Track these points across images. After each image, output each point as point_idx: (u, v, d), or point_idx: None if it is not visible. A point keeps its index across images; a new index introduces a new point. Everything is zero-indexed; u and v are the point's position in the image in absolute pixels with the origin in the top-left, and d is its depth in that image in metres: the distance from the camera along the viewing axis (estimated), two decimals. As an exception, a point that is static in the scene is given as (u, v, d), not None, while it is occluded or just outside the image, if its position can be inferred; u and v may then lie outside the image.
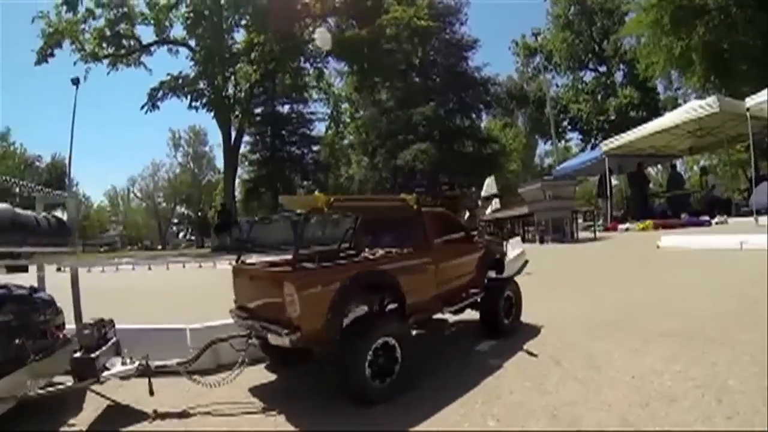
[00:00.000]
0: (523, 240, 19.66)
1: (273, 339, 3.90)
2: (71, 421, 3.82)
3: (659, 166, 37.30)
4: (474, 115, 46.32)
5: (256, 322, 4.15)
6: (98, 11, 33.40)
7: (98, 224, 75.06)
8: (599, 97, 44.94)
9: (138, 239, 75.09)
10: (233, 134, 38.74)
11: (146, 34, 36.45)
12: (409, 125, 41.17)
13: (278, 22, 32.71)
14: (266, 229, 26.05)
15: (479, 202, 25.73)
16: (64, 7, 32.26)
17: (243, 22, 36.60)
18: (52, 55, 32.66)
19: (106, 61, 34.95)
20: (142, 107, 35.28)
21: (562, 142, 51.06)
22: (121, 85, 71.12)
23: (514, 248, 14.05)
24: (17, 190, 5.73)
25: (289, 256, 4.14)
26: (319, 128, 50.52)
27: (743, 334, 4.61)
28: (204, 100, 35.93)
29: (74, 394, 4.10)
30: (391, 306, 4.47)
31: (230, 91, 37.23)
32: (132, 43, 35.74)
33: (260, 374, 4.78)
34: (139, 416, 3.84)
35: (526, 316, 5.97)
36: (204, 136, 70.45)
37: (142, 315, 7.76)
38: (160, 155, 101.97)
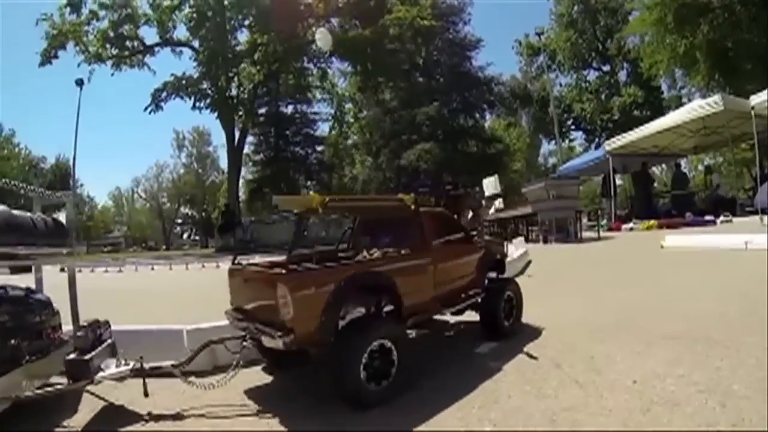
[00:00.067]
0: (527, 240, 19.56)
1: (266, 341, 3.86)
2: (66, 422, 3.82)
3: (663, 166, 37.09)
4: (478, 115, 46.06)
5: (251, 323, 4.10)
6: (102, 13, 33.71)
7: (103, 225, 75.32)
8: (603, 96, 44.68)
9: (142, 240, 75.27)
10: (237, 135, 38.84)
11: (150, 35, 36.74)
12: (413, 125, 41.05)
13: (281, 23, 32.76)
14: (270, 229, 26.04)
15: (483, 202, 25.67)
16: (68, 9, 32.58)
17: (246, 22, 36.73)
18: (56, 56, 32.91)
19: (109, 63, 35.22)
20: (146, 108, 35.53)
21: (566, 141, 50.85)
22: (124, 87, 71.50)
23: (517, 248, 13.98)
24: (20, 191, 5.76)
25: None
26: (323, 128, 50.61)
27: (748, 336, 4.51)
28: (207, 101, 36.08)
29: (70, 395, 4.10)
30: (389, 308, 4.40)
31: (234, 91, 37.36)
32: (135, 44, 35.90)
33: (257, 376, 4.74)
34: (134, 418, 3.83)
35: (528, 318, 5.90)
36: (208, 137, 70.75)
37: (144, 316, 7.77)
38: (164, 156, 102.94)
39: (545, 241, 18.30)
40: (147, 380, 3.99)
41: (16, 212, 5.00)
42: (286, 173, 46.94)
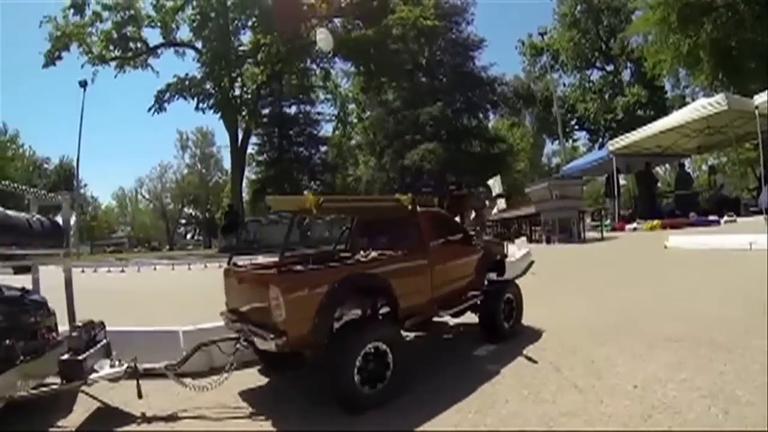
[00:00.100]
0: (530, 240, 19.49)
1: (259, 343, 3.81)
2: (60, 423, 3.81)
3: (667, 166, 36.97)
4: (481, 115, 45.94)
5: (246, 325, 4.05)
6: (105, 14, 33.73)
7: (106, 225, 75.61)
8: (606, 96, 44.49)
9: (146, 240, 75.53)
10: (240, 135, 38.87)
11: (153, 36, 36.75)
12: (417, 125, 40.97)
13: (284, 23, 32.73)
14: (273, 229, 26.07)
15: (486, 202, 25.61)
16: (72, 11, 32.63)
17: (249, 23, 36.65)
18: (59, 58, 32.94)
19: (113, 64, 35.25)
20: (150, 109, 35.48)
21: (570, 141, 50.73)
22: (128, 88, 71.46)
23: (520, 248, 13.93)
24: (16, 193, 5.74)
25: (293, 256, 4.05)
26: (327, 129, 50.64)
27: (753, 339, 4.41)
28: (211, 102, 36.02)
29: (65, 396, 4.08)
30: (385, 310, 4.34)
31: (237, 92, 37.28)
32: (139, 45, 35.94)
33: (252, 378, 4.69)
34: (128, 419, 3.82)
35: (528, 319, 5.82)
36: (211, 138, 70.80)
37: (144, 316, 7.78)
38: (167, 156, 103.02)
39: (548, 242, 18.22)
40: (143, 381, 3.97)
41: (10, 213, 4.98)
42: (290, 174, 47.00)
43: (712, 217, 18.15)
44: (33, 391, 3.68)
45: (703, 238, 12.23)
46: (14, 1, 42.87)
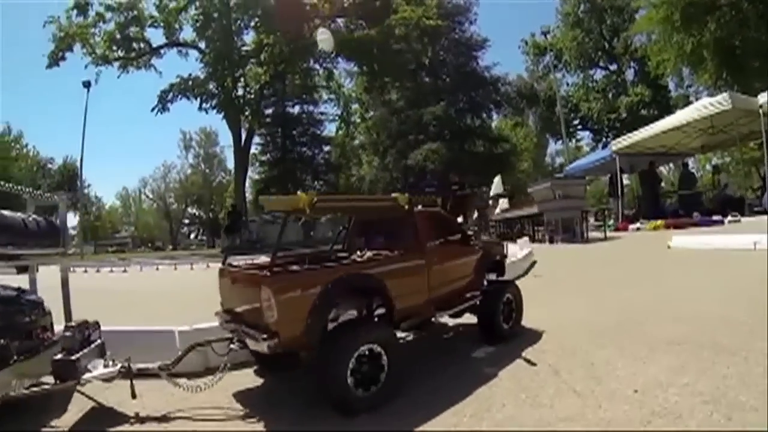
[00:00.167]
0: (533, 240, 19.41)
1: (251, 344, 3.78)
2: (54, 422, 3.83)
3: (671, 165, 36.76)
4: (484, 115, 45.82)
5: (239, 325, 4.01)
6: (108, 15, 33.66)
7: (110, 225, 75.79)
8: (610, 95, 44.33)
9: (149, 240, 75.60)
10: (243, 135, 38.83)
11: (156, 36, 36.68)
12: (420, 125, 40.93)
13: (287, 23, 32.69)
14: (276, 228, 26.02)
15: (490, 202, 25.56)
16: (75, 12, 32.64)
17: (252, 23, 36.60)
18: (63, 58, 32.91)
19: (116, 64, 35.17)
20: (153, 109, 35.45)
21: (573, 141, 50.54)
22: (131, 88, 71.61)
23: (522, 248, 13.85)
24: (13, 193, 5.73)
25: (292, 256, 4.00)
26: (330, 129, 50.60)
27: (757, 342, 4.30)
28: (214, 102, 35.98)
29: (60, 395, 4.09)
30: (381, 311, 4.28)
31: (240, 92, 37.24)
32: (142, 45, 35.88)
33: (247, 378, 4.66)
34: (121, 419, 3.82)
35: (529, 320, 5.74)
36: (215, 138, 70.72)
37: (145, 316, 7.83)
38: (171, 156, 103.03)
39: (551, 242, 18.12)
40: (138, 382, 3.98)
41: (6, 213, 4.99)
42: (293, 173, 46.99)
43: (715, 217, 18.02)
44: (26, 391, 3.68)
45: (706, 238, 12.12)
46: (18, 1, 43.05)
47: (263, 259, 5.79)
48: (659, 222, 18.46)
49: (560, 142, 48.30)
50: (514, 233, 22.33)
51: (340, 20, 37.11)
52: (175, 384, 4.01)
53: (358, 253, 5.05)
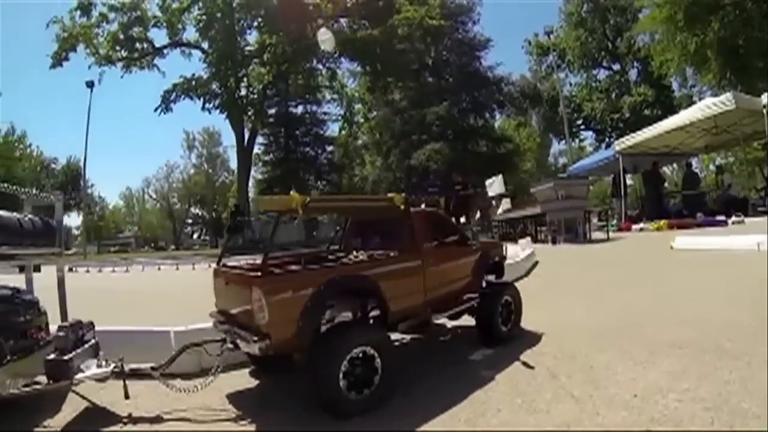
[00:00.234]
0: (536, 240, 19.35)
1: (243, 346, 3.73)
2: (47, 422, 3.81)
3: (674, 165, 36.65)
4: (487, 115, 45.83)
5: (232, 326, 3.95)
6: (111, 15, 33.91)
7: (113, 225, 75.99)
8: (613, 95, 44.28)
9: (153, 240, 75.79)
10: (247, 135, 38.93)
11: (159, 37, 36.92)
12: (423, 125, 40.90)
13: (290, 24, 32.74)
14: (280, 228, 26.06)
15: (493, 202, 25.51)
16: (78, 12, 32.81)
17: (255, 23, 36.67)
18: (66, 59, 33.11)
19: (119, 64, 35.38)
20: (156, 109, 35.60)
21: (576, 141, 50.53)
22: (135, 88, 71.88)
23: (524, 249, 13.79)
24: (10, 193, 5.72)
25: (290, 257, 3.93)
26: (333, 129, 50.66)
27: (761, 345, 4.22)
28: (217, 102, 36.10)
29: (54, 395, 4.08)
30: (376, 312, 4.21)
31: (243, 92, 37.40)
32: (145, 46, 36.06)
33: (242, 380, 4.62)
34: (114, 419, 3.80)
35: (528, 322, 5.67)
36: (218, 138, 70.99)
37: (145, 315, 7.80)
38: (174, 156, 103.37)
39: (554, 242, 18.06)
40: (134, 382, 3.98)
41: (1, 213, 4.97)
42: (296, 173, 46.99)
43: (719, 218, 17.96)
44: (17, 390, 3.65)
45: (710, 239, 12.04)
46: (21, 2, 43.21)
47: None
48: (662, 222, 18.41)
49: (563, 142, 48.24)
50: (516, 233, 22.27)
51: (343, 20, 37.18)
52: (167, 385, 3.99)
53: (354, 253, 4.98)
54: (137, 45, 35.52)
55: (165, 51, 37.11)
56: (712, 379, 3.67)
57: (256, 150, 44.98)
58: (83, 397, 4.17)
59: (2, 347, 3.67)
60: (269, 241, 4.09)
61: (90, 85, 38.41)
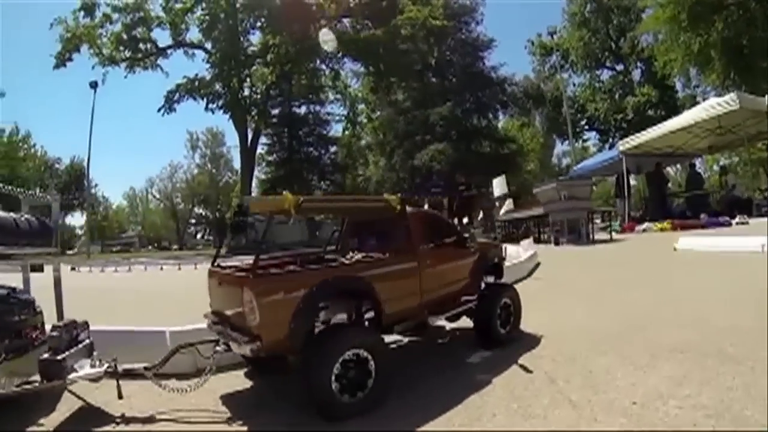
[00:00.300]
0: (539, 241, 19.27)
1: (234, 347, 3.69)
2: (42, 421, 3.81)
3: (678, 166, 36.52)
4: (491, 115, 45.64)
5: (225, 328, 3.92)
6: (115, 16, 33.97)
7: (117, 225, 76.20)
8: (617, 95, 44.17)
9: (156, 239, 76.03)
10: (250, 135, 38.95)
11: (162, 37, 36.94)
12: (426, 125, 40.78)
13: (293, 24, 32.72)
14: (282, 229, 26.09)
15: (497, 203, 25.45)
16: (82, 13, 32.89)
17: (258, 24, 36.70)
18: (70, 59, 33.16)
19: (123, 65, 35.45)
20: (160, 109, 35.62)
21: (580, 141, 50.44)
22: (138, 88, 72.06)
23: (526, 250, 13.74)
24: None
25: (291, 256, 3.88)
26: (336, 129, 50.54)
27: (765, 350, 4.12)
28: (220, 102, 36.10)
29: (49, 394, 4.10)
30: (370, 315, 4.16)
31: (246, 92, 37.34)
32: (149, 46, 36.11)
33: (237, 380, 4.59)
34: (107, 419, 3.79)
35: (528, 324, 5.60)
36: (221, 138, 71.15)
37: (145, 315, 7.85)
38: (178, 157, 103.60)
39: (557, 243, 17.97)
40: (129, 382, 3.99)
41: (-5, 212, 4.96)
42: (300, 174, 46.96)
43: (723, 218, 17.85)
44: (15, 389, 3.67)
45: (713, 240, 11.94)
46: (25, 2, 43.39)
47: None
48: (666, 223, 18.30)
49: (567, 142, 48.16)
50: (519, 234, 22.21)
51: (346, 20, 37.17)
52: (160, 385, 3.97)
53: (350, 254, 4.93)
54: (140, 45, 35.56)
55: (168, 51, 37.19)
56: (714, 385, 3.59)
57: (260, 150, 45.05)
58: (78, 397, 4.16)
59: None
60: (261, 241, 4.03)
61: (94, 85, 38.64)
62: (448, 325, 5.82)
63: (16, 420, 3.73)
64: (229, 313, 3.97)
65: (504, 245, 6.68)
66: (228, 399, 4.13)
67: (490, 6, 48.33)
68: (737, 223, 16.81)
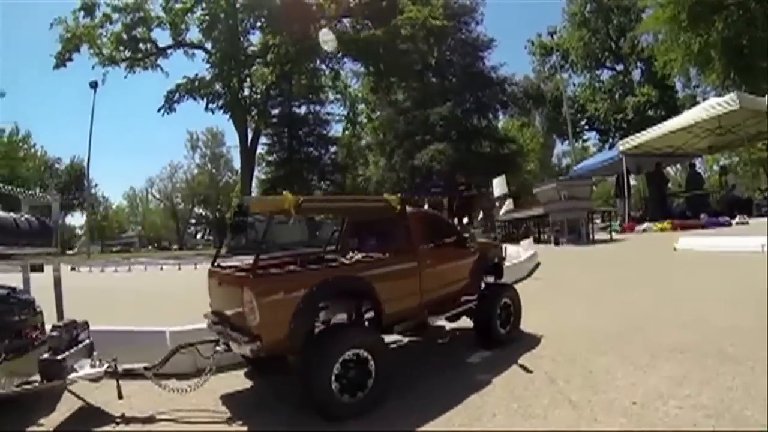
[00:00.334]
0: (539, 241, 19.26)
1: (234, 347, 3.69)
2: (42, 420, 3.81)
3: (678, 166, 36.49)
4: (491, 115, 45.63)
5: (225, 328, 3.91)
6: (115, 16, 33.96)
7: (117, 225, 76.19)
8: (617, 95, 44.15)
9: (156, 239, 76.00)
10: (250, 135, 38.93)
11: (162, 37, 36.92)
12: (426, 125, 40.77)
13: (293, 24, 32.70)
14: (283, 229, 26.12)
15: (497, 203, 25.44)
16: (82, 13, 32.88)
17: (258, 24, 36.68)
18: (70, 59, 33.15)
19: (123, 65, 35.43)
20: (160, 109, 35.61)
21: (580, 141, 50.41)
22: (138, 88, 72.03)
23: (527, 250, 13.74)
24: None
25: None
26: (336, 129, 50.52)
27: (765, 350, 4.11)
28: (220, 102, 36.08)
29: (49, 394, 4.10)
30: (371, 314, 4.15)
31: (246, 92, 37.31)
32: (149, 46, 36.08)
33: (238, 380, 4.58)
34: (107, 419, 3.79)
35: (528, 324, 5.59)
36: (221, 138, 71.13)
37: (145, 315, 7.88)
38: (178, 157, 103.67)
39: (557, 243, 17.96)
40: (129, 382, 3.99)
41: (-5, 213, 4.96)
42: (300, 174, 46.95)
43: (723, 219, 17.83)
44: (15, 389, 3.68)
45: (713, 240, 11.93)
46: (24, 2, 43.40)
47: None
48: (666, 223, 18.28)
49: (567, 142, 48.12)
50: (519, 234, 22.20)
51: (346, 20, 37.12)
52: (159, 385, 3.97)
53: (351, 254, 4.92)
54: (141, 45, 35.54)
55: (168, 51, 37.16)
56: (714, 385, 3.58)
57: (260, 150, 45.03)
58: (78, 397, 4.17)
59: None
60: (262, 241, 4.03)
61: (94, 85, 38.62)
62: (448, 325, 5.81)
63: (16, 420, 3.73)
64: (229, 313, 3.96)
65: (504, 245, 6.67)
66: (228, 399, 4.12)
67: (490, 6, 48.43)
68: (737, 223, 16.80)
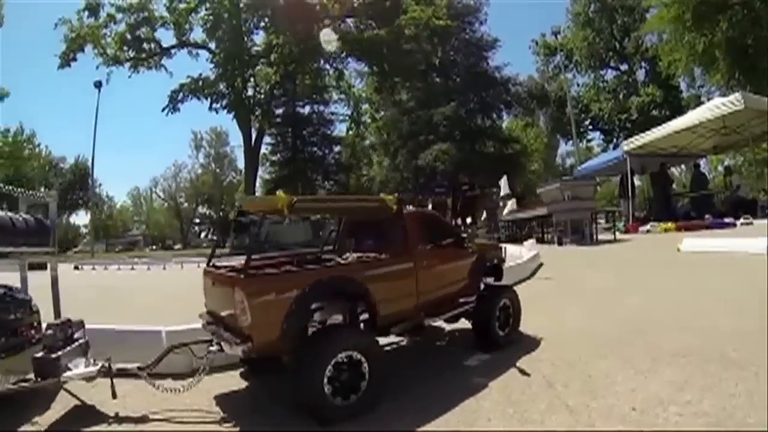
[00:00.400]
0: (542, 241, 19.17)
1: (226, 348, 3.67)
2: (36, 419, 3.83)
3: (682, 166, 36.22)
4: (495, 115, 45.60)
5: (219, 328, 3.90)
6: (119, 16, 34.08)
7: (121, 224, 76.42)
8: (621, 95, 43.86)
9: (160, 239, 76.11)
10: (254, 135, 38.96)
11: (166, 37, 37.02)
12: (430, 125, 40.80)
13: (297, 24, 32.72)
14: (285, 228, 26.13)
15: (500, 203, 25.35)
16: (86, 13, 33.01)
17: (262, 24, 36.73)
18: (74, 59, 33.27)
19: (127, 65, 35.49)
20: (164, 109, 35.70)
21: (584, 141, 50.10)
22: (142, 88, 72.16)
23: (529, 250, 13.67)
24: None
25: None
26: (340, 129, 50.55)
27: (769, 356, 4.01)
28: (224, 102, 36.18)
29: (44, 393, 4.12)
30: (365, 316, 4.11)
31: (250, 92, 37.44)
32: (153, 46, 36.14)
33: (232, 381, 4.56)
34: (101, 418, 3.81)
35: (528, 327, 5.52)
36: (225, 137, 71.18)
37: (146, 314, 7.90)
38: (182, 156, 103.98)
39: (560, 243, 17.85)
40: (124, 381, 4.02)
41: (-7, 212, 4.97)
42: (304, 173, 47.02)
43: (727, 219, 17.68)
44: (10, 387, 3.71)
45: (717, 241, 11.79)
46: (29, 2, 43.58)
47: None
48: (670, 224, 18.13)
49: (571, 142, 47.91)
50: (523, 234, 22.11)
51: (349, 20, 37.09)
52: (153, 385, 3.97)
53: (347, 255, 4.88)
54: (145, 45, 35.62)
55: (172, 51, 37.16)
56: (717, 391, 3.49)
57: (264, 150, 45.01)
58: (73, 395, 4.19)
59: None
60: (254, 241, 3.99)
61: (98, 85, 38.69)
62: (447, 327, 5.76)
63: (10, 418, 3.74)
64: (222, 313, 3.95)
65: (504, 246, 6.60)
66: (222, 399, 4.11)
67: (493, 6, 48.23)
68: (742, 224, 16.66)
